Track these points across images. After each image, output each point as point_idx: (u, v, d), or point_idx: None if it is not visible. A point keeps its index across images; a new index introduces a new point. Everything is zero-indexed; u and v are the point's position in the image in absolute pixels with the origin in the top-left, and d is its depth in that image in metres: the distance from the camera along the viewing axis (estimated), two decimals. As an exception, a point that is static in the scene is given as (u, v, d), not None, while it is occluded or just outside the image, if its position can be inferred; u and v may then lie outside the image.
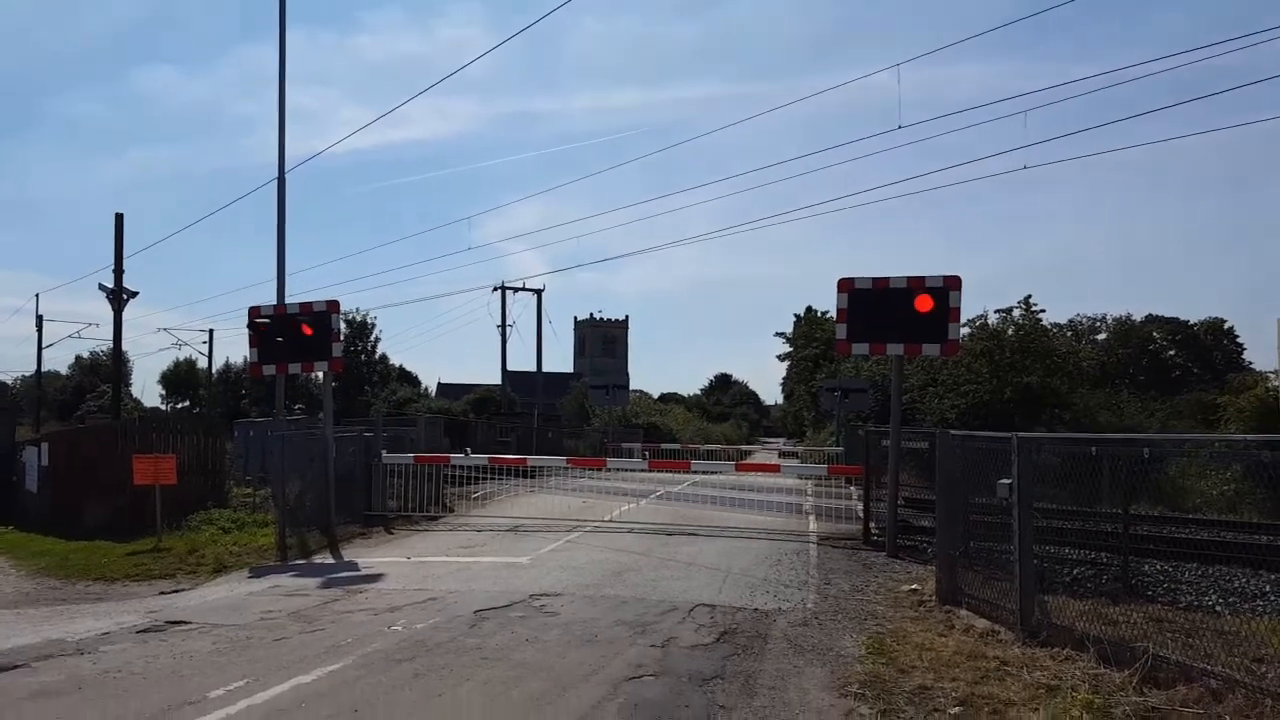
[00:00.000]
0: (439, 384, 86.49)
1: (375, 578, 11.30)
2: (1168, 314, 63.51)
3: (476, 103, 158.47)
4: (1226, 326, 63.26)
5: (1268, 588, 10.30)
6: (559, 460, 21.60)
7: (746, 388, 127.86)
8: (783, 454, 41.47)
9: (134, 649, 7.85)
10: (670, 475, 24.62)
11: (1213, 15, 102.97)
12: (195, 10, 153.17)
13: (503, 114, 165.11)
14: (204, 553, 13.96)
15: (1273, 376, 29.60)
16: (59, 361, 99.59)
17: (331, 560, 13.20)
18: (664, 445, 40.41)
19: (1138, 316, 63.94)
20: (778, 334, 59.41)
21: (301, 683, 6.54)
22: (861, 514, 14.82)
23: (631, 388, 48.14)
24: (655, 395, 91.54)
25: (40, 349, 53.52)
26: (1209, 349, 62.18)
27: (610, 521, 16.26)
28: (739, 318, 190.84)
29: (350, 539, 14.85)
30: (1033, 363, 29.98)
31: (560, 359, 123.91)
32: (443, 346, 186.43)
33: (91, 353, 77.02)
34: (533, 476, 23.47)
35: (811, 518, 16.97)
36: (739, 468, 19.35)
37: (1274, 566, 10.85)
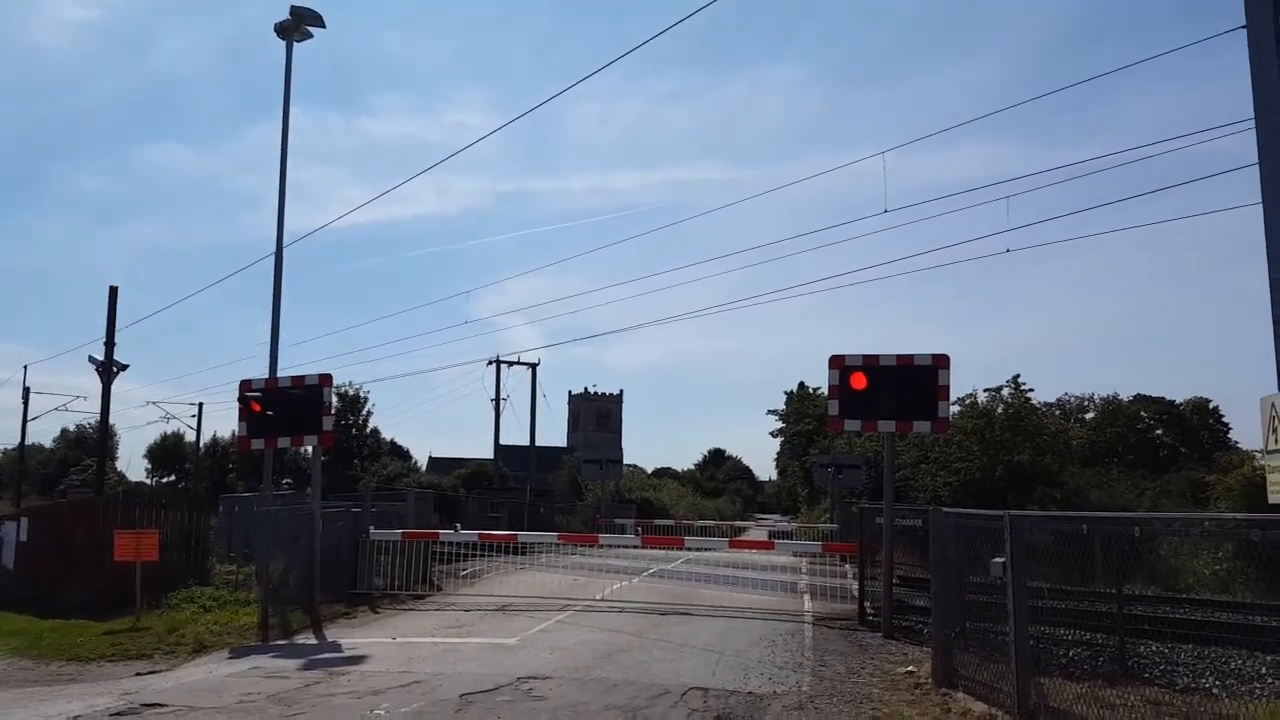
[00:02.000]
0: (430, 458, 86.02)
1: (359, 659, 11.04)
2: (1154, 394, 63.90)
3: (477, 181, 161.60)
4: (1212, 406, 63.58)
5: (1264, 669, 10.18)
6: (550, 536, 21.35)
7: (740, 463, 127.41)
8: (774, 534, 41.10)
9: (108, 733, 7.63)
10: (663, 552, 24.33)
11: (1178, 110, 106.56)
12: (202, 88, 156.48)
13: (502, 192, 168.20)
14: (184, 632, 13.64)
15: (1259, 455, 29.70)
16: (44, 434, 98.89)
17: (314, 640, 12.91)
18: (657, 521, 40.04)
19: (1125, 396, 64.34)
20: (770, 411, 59.22)
21: (281, 769, 6.35)
22: (856, 593, 14.64)
23: (625, 462, 47.98)
24: (649, 470, 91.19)
25: (25, 421, 53.09)
26: (1195, 428, 62.35)
27: (601, 600, 16.01)
28: (734, 393, 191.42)
29: (334, 618, 14.55)
30: (1023, 441, 30.12)
31: (554, 433, 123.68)
32: (436, 420, 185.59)
33: (78, 426, 76.32)
34: (523, 553, 23.13)
35: (806, 597, 16.75)
36: (733, 544, 19.17)
37: (1270, 648, 10.75)
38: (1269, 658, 10.44)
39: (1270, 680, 9.77)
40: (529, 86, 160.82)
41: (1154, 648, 11.17)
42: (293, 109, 20.49)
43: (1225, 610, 14.26)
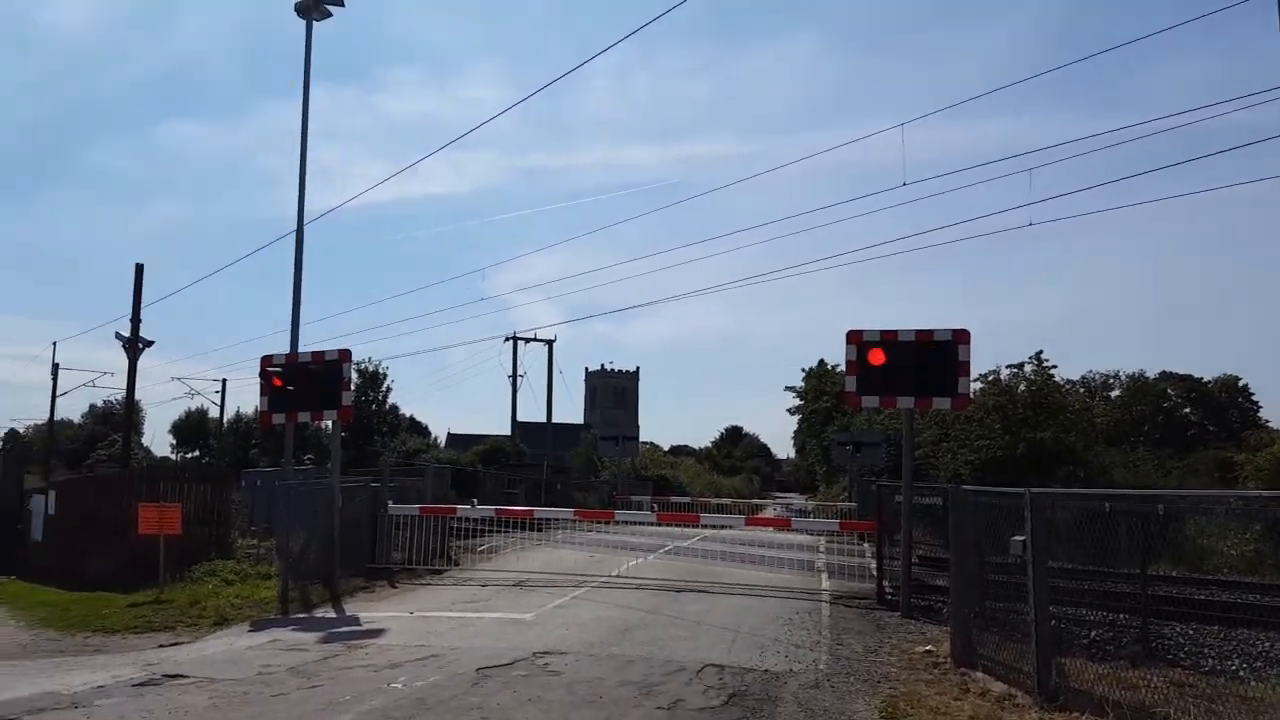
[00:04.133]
0: (449, 434, 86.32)
1: (376, 633, 11.10)
2: (1181, 371, 63.04)
3: (491, 157, 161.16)
4: (1241, 384, 62.64)
5: (1293, 652, 10.01)
6: (567, 512, 21.39)
7: (758, 441, 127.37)
8: (791, 512, 41.01)
9: (129, 703, 7.69)
10: (679, 529, 24.31)
11: (1208, 78, 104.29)
12: (221, 67, 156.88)
13: (517, 168, 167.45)
14: (206, 605, 13.78)
15: (1290, 434, 29.26)
16: (73, 410, 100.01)
17: (333, 614, 13.00)
18: (674, 498, 40.07)
19: (1151, 373, 63.52)
20: (788, 388, 58.81)
21: (296, 742, 6.36)
22: (875, 572, 14.54)
23: (641, 439, 47.94)
24: (665, 447, 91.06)
25: (54, 396, 53.74)
26: (1224, 407, 61.50)
27: (618, 577, 16.01)
28: (751, 370, 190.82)
29: (353, 592, 14.65)
30: (1045, 419, 29.79)
31: (571, 410, 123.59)
32: (454, 397, 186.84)
33: (105, 401, 77.18)
34: (540, 529, 23.21)
35: (824, 575, 16.67)
36: (749, 522, 19.09)
37: (1299, 631, 10.57)
38: (1297, 640, 10.27)
39: (1298, 663, 9.61)
40: (542, 59, 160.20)
41: (1179, 629, 11.02)
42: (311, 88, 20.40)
43: (1253, 592, 14.05)
